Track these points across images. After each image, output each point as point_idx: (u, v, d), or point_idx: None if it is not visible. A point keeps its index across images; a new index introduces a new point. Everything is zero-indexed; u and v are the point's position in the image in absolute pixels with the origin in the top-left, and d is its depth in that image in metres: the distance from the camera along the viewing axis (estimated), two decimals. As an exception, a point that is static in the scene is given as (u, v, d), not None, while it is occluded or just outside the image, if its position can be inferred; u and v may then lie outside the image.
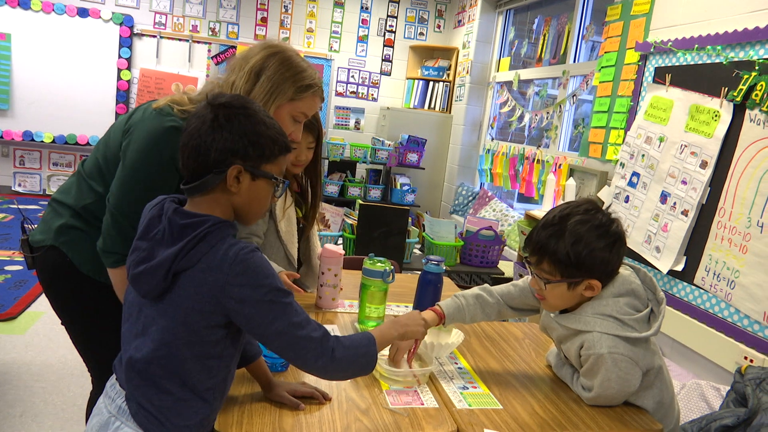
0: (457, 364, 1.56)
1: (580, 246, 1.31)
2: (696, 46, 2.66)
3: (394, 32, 6.60)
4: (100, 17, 5.86)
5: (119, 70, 5.96)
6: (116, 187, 1.40)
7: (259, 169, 1.10)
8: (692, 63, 2.70)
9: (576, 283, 1.35)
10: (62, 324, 1.58)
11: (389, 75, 6.67)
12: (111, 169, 1.45)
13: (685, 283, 2.59)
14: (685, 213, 2.60)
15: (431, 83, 6.19)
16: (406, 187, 5.50)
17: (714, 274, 2.42)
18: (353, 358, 1.14)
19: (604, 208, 1.39)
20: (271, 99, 1.47)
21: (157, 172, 1.38)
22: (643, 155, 2.93)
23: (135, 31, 6.00)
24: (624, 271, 1.41)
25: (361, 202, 3.52)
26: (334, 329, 1.68)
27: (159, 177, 1.38)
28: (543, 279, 1.38)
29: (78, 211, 1.50)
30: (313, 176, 1.97)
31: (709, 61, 2.60)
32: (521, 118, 4.84)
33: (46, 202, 6.07)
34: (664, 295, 1.40)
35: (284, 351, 1.09)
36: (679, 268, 2.61)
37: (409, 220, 3.38)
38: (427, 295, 1.74)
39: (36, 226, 1.58)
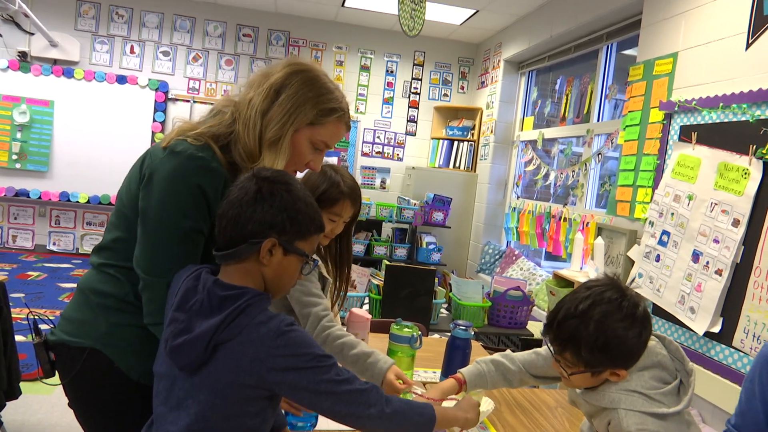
0: (487, 432, 1.51)
1: (606, 339, 1.24)
2: (721, 104, 2.66)
3: (419, 94, 6.75)
4: (137, 83, 6.14)
5: (153, 133, 6.18)
6: (144, 248, 1.21)
7: (292, 244, 1.11)
8: (718, 121, 2.70)
9: (600, 372, 1.30)
10: None
11: (414, 135, 6.78)
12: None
13: (723, 345, 2.49)
14: (719, 272, 2.54)
15: (456, 143, 6.27)
16: (432, 246, 5.49)
17: (753, 335, 2.33)
18: (408, 415, 1.11)
19: (627, 282, 1.32)
20: (289, 121, 1.31)
21: (186, 216, 1.20)
22: (672, 213, 2.89)
23: (169, 96, 6.25)
24: (650, 341, 1.33)
25: (387, 262, 3.52)
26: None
27: (189, 221, 1.21)
28: (565, 369, 1.32)
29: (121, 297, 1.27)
30: (345, 254, 1.70)
31: (735, 119, 2.59)
32: (546, 176, 4.85)
33: (79, 261, 5.98)
34: (693, 366, 1.33)
35: (336, 409, 1.06)
36: (716, 329, 2.52)
37: (436, 280, 3.35)
38: (455, 360, 1.71)
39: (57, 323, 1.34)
